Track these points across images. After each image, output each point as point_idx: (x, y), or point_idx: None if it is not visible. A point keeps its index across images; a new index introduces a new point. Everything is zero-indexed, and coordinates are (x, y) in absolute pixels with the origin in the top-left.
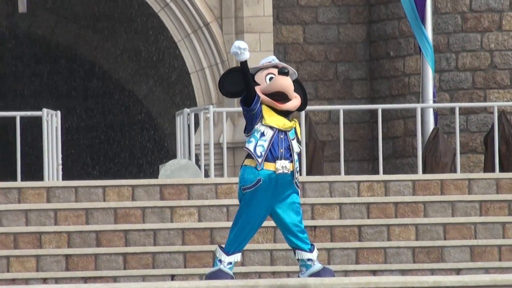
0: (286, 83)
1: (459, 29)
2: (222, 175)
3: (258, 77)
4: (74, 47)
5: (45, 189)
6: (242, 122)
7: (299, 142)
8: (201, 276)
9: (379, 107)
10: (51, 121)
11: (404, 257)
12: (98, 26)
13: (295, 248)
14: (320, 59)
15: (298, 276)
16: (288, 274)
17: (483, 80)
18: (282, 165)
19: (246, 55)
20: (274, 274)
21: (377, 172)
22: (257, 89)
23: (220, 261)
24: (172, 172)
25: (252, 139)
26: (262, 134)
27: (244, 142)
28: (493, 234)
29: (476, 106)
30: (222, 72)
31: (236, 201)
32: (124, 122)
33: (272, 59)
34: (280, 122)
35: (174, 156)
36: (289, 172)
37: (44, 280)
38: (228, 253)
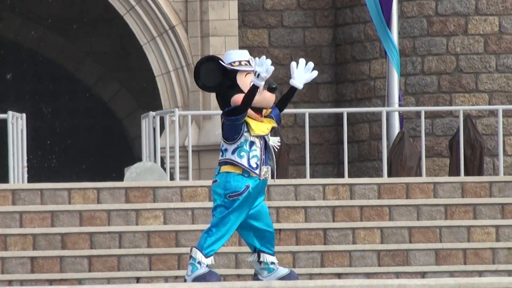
0: (271, 101)
1: (425, 32)
2: (187, 178)
3: (241, 81)
4: (40, 50)
5: (10, 192)
6: (207, 125)
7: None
8: (166, 279)
9: (345, 110)
10: (16, 124)
11: (369, 260)
12: (63, 28)
13: (260, 251)
14: (286, 63)
15: (258, 279)
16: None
17: (448, 84)
18: (265, 171)
19: (263, 82)
20: (239, 276)
21: (342, 176)
22: (241, 96)
23: (199, 263)
24: (137, 175)
25: (243, 153)
26: (252, 145)
27: (210, 146)
28: (458, 238)
29: (442, 110)
30: (187, 75)
31: (201, 204)
32: (90, 125)
33: (249, 58)
34: (264, 128)
35: (139, 159)
36: (268, 178)
37: (9, 282)
38: (207, 255)
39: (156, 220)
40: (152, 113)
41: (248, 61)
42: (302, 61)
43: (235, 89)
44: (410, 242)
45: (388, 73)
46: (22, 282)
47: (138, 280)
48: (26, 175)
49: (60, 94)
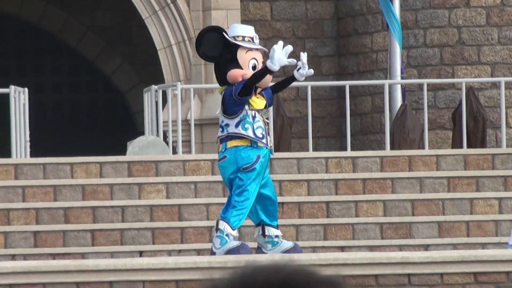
0: (269, 81)
1: (427, 5)
2: (189, 152)
3: (241, 57)
4: (42, 24)
5: (13, 166)
6: (210, 99)
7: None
8: (169, 253)
9: (347, 83)
10: (19, 98)
11: (372, 233)
12: (65, 2)
13: (264, 224)
14: (288, 36)
15: (261, 253)
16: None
17: (451, 56)
18: (269, 140)
19: (277, 67)
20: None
21: (345, 149)
22: (239, 73)
23: (227, 235)
24: (140, 149)
25: (248, 125)
26: (254, 117)
27: (213, 119)
28: (461, 210)
29: (444, 82)
30: (189, 48)
31: (204, 178)
32: (92, 99)
33: (254, 35)
34: (260, 103)
35: (142, 133)
36: (272, 148)
37: (13, 257)
38: (233, 227)
39: (159, 194)
40: (154, 87)
41: (252, 38)
42: (305, 57)
43: (233, 64)
44: (413, 214)
45: (390, 46)
46: (25, 256)
47: (141, 254)
48: (28, 150)
49: (62, 69)
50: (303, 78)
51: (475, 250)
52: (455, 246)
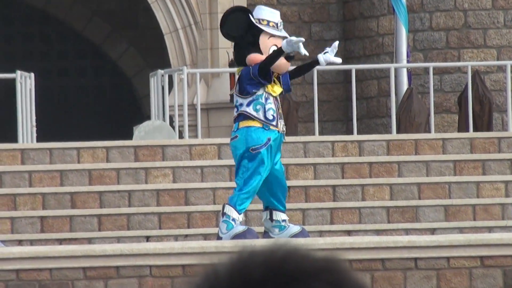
0: (286, 68)
1: None
2: (196, 136)
3: (263, 42)
4: (48, 9)
5: (20, 151)
6: (216, 83)
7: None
8: (176, 237)
9: (353, 67)
10: (25, 83)
11: (378, 217)
12: None
13: (272, 208)
14: (294, 20)
15: (269, 237)
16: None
17: (457, 40)
18: (282, 124)
19: (288, 49)
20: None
21: (351, 133)
22: (258, 58)
23: (234, 220)
24: (146, 133)
25: (259, 106)
26: (267, 99)
27: (219, 103)
28: (467, 194)
29: (450, 66)
30: (195, 33)
31: (210, 162)
32: (98, 84)
33: (279, 21)
34: (277, 89)
35: (148, 117)
36: (284, 132)
37: (19, 242)
38: (239, 212)
39: (165, 179)
40: (160, 72)
41: (277, 24)
42: (336, 43)
43: (254, 47)
44: (419, 198)
45: (396, 29)
46: (32, 241)
47: (147, 239)
48: (35, 135)
49: (68, 53)
50: (326, 64)
51: (482, 233)
52: (461, 230)
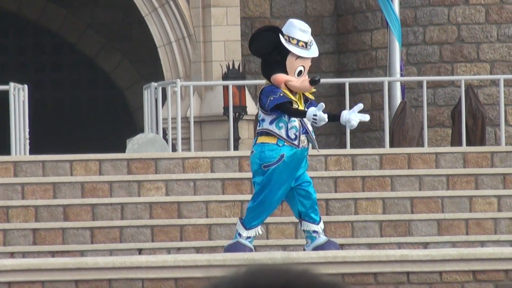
0: (310, 91)
1: (426, 2)
2: (189, 149)
3: (290, 63)
4: (42, 21)
5: (12, 163)
6: (209, 96)
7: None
8: (168, 250)
9: (347, 80)
10: (18, 95)
11: (371, 231)
12: (65, 0)
13: (302, 219)
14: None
15: (304, 249)
16: (255, 248)
17: (450, 54)
18: (302, 140)
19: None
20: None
21: (344, 146)
22: (285, 80)
23: (239, 234)
24: (139, 146)
25: (282, 124)
26: (290, 117)
27: (212, 116)
28: (460, 208)
29: (443, 79)
30: (189, 46)
31: (203, 175)
32: (92, 96)
33: (309, 40)
34: (300, 101)
35: (141, 130)
36: (306, 146)
37: (12, 254)
38: (246, 227)
39: (158, 192)
40: (154, 84)
41: (306, 44)
42: (361, 105)
43: (280, 67)
44: (412, 212)
45: (389, 43)
46: (24, 254)
47: (140, 251)
48: (28, 147)
49: (62, 66)
50: (347, 122)
51: (474, 248)
52: (454, 244)
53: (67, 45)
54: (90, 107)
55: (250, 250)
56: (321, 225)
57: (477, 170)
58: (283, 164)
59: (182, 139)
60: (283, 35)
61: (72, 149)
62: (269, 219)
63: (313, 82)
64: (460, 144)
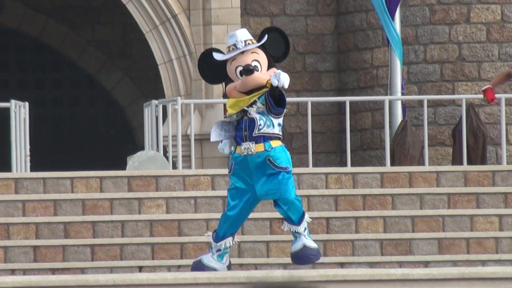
0: (255, 82)
1: (427, 21)
2: (189, 167)
3: (230, 71)
4: (42, 38)
5: (13, 180)
6: (210, 114)
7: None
8: (168, 268)
9: (347, 99)
10: (19, 112)
11: (372, 250)
12: (66, 17)
13: (284, 218)
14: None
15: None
16: (256, 266)
17: (451, 73)
18: (245, 147)
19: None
20: (241, 266)
21: (345, 165)
22: (232, 88)
23: (211, 247)
24: (140, 163)
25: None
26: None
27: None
28: (461, 227)
29: (444, 98)
30: (190, 63)
31: (204, 193)
32: (92, 113)
33: (236, 41)
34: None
35: (142, 147)
36: (255, 153)
37: (12, 271)
38: (216, 239)
39: (159, 209)
40: (154, 102)
41: (235, 45)
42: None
43: (229, 79)
44: (413, 231)
45: (390, 61)
46: (25, 271)
47: (140, 269)
48: (28, 164)
49: (63, 83)
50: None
51: (475, 267)
52: (455, 263)
53: (68, 62)
54: (91, 124)
55: (213, 269)
56: (303, 224)
57: (478, 189)
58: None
59: (182, 156)
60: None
61: (73, 166)
62: (269, 237)
63: (243, 72)
64: (461, 163)
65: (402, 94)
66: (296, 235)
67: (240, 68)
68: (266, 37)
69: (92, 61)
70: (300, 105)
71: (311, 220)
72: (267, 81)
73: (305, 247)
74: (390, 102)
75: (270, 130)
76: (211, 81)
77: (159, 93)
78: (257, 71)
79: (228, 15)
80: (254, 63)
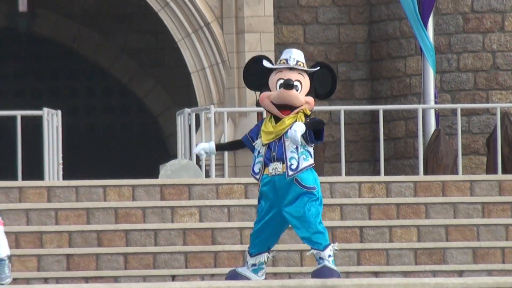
0: (291, 98)
1: (461, 30)
2: (223, 176)
3: (271, 81)
4: (75, 46)
5: (46, 189)
6: (243, 122)
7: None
8: (202, 277)
9: (380, 108)
10: (52, 120)
11: (406, 259)
12: (98, 24)
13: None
14: (321, 60)
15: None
16: (290, 275)
17: (485, 81)
18: (273, 167)
19: (210, 148)
20: (275, 275)
21: (378, 173)
22: (266, 96)
23: (246, 262)
24: (172, 172)
25: (254, 159)
26: (259, 152)
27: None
28: (496, 236)
29: (478, 107)
30: (223, 72)
31: (237, 202)
32: (125, 122)
33: (289, 57)
34: (272, 135)
35: (174, 156)
36: (282, 173)
37: (45, 280)
38: (251, 254)
39: (192, 218)
40: (187, 110)
41: (287, 60)
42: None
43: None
44: (447, 240)
45: (423, 70)
46: (57, 279)
47: (173, 278)
48: (61, 172)
49: (95, 91)
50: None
51: (510, 276)
52: (490, 273)
53: (100, 70)
54: (123, 133)
55: (246, 278)
56: (327, 251)
57: None
58: (261, 191)
59: (215, 165)
60: (269, 62)
61: (105, 175)
62: (303, 246)
63: (286, 87)
64: (495, 172)
65: (435, 102)
66: (320, 261)
67: (281, 81)
68: (317, 68)
69: (125, 69)
70: (333, 113)
71: (337, 250)
72: (301, 112)
73: (325, 266)
74: (424, 110)
75: (306, 163)
76: (251, 86)
77: (191, 102)
78: (297, 90)
79: (261, 23)
80: (296, 82)
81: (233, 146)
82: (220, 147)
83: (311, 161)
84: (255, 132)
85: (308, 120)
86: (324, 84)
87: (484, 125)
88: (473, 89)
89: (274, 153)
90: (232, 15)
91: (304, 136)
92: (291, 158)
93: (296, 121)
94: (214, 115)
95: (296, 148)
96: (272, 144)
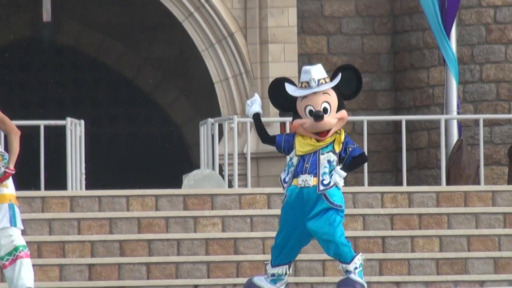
0: (325, 126)
1: (483, 40)
2: (246, 186)
3: (299, 108)
4: (98, 56)
5: (69, 198)
6: None
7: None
8: (224, 286)
9: (403, 118)
10: (75, 130)
11: (428, 269)
12: (122, 35)
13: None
14: None
15: None
16: (312, 285)
17: (507, 92)
18: (303, 179)
19: (253, 109)
20: (297, 285)
21: (401, 184)
22: (300, 124)
23: (267, 271)
24: (195, 182)
25: (286, 167)
26: (292, 163)
27: (269, 153)
28: None
29: (501, 117)
30: (246, 82)
31: (260, 212)
32: (148, 132)
33: (310, 79)
34: (309, 147)
35: (197, 166)
36: (312, 186)
37: None
38: (272, 264)
39: (215, 228)
40: (210, 120)
41: (308, 83)
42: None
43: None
44: (469, 250)
45: (446, 81)
46: None
47: (196, 287)
48: (84, 182)
49: (119, 101)
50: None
51: None
52: (511, 283)
53: (124, 80)
54: (147, 143)
55: None
56: (352, 264)
57: None
58: (286, 202)
59: (238, 175)
60: (292, 84)
61: (128, 185)
62: (325, 256)
63: (314, 118)
64: None
65: (458, 113)
66: (347, 273)
67: (310, 108)
68: (339, 76)
69: (148, 79)
70: (356, 124)
71: (363, 261)
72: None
73: (349, 278)
74: (446, 121)
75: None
76: (278, 107)
77: (215, 112)
78: (327, 113)
79: (285, 34)
80: (324, 105)
81: (264, 132)
82: (259, 121)
83: (342, 182)
84: (290, 142)
85: (350, 149)
86: (349, 85)
87: (506, 136)
88: (496, 100)
89: (307, 165)
90: (256, 25)
91: (339, 158)
92: (324, 173)
93: (334, 141)
94: (237, 125)
95: (329, 163)
96: (306, 156)
